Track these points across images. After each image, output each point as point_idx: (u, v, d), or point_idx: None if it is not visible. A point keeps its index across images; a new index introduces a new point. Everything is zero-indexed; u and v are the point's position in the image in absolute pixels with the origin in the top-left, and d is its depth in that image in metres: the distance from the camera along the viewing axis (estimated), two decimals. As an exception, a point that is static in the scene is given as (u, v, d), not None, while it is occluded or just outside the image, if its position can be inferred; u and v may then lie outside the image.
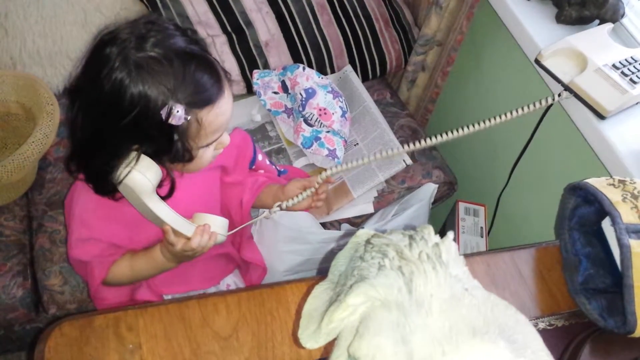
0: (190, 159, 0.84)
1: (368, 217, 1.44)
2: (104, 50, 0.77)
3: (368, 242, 0.46)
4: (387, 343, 0.36)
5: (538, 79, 1.23)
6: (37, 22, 1.41)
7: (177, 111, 0.76)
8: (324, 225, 1.37)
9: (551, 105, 1.10)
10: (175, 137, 0.80)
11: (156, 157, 0.82)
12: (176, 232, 0.90)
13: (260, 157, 1.20)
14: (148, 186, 0.83)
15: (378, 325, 0.38)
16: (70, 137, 0.86)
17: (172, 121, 0.77)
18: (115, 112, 0.77)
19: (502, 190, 1.43)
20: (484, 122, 1.03)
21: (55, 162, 1.35)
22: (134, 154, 0.81)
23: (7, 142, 1.34)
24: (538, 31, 1.22)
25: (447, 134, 1.01)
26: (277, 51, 1.51)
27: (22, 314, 1.19)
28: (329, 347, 0.46)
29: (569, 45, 1.15)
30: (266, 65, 1.51)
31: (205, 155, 0.87)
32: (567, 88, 1.10)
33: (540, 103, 1.08)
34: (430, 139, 1.00)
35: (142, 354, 0.67)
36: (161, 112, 0.76)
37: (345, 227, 1.38)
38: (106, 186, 0.85)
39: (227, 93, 0.84)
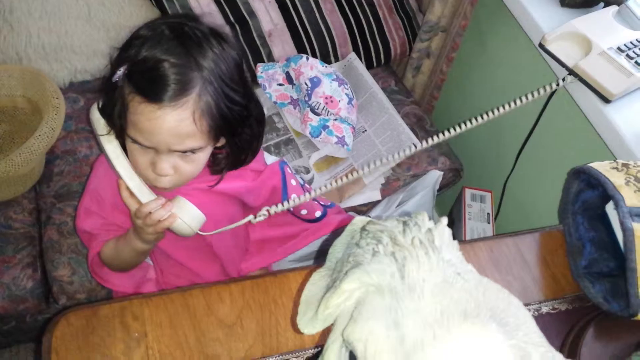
0: (122, 136, 0.84)
1: (374, 205, 1.44)
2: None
3: (363, 228, 0.47)
4: (379, 327, 0.37)
5: (543, 63, 1.23)
6: (41, 17, 1.42)
7: (120, 70, 0.78)
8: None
9: (556, 89, 1.10)
10: (114, 95, 0.80)
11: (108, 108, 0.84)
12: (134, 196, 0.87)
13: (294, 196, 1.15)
14: (103, 126, 0.84)
15: (371, 310, 0.38)
16: None
17: (114, 76, 0.78)
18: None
19: (509, 176, 1.42)
20: (492, 112, 1.03)
21: (63, 155, 1.36)
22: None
23: (14, 136, 1.35)
24: (542, 15, 1.21)
25: (459, 126, 1.01)
26: (280, 41, 1.51)
27: (32, 305, 1.21)
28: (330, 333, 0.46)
29: (573, 29, 1.14)
30: (270, 56, 1.51)
31: (133, 151, 0.83)
32: (571, 72, 1.10)
33: (545, 89, 1.08)
34: (443, 133, 1.00)
35: (148, 342, 0.68)
36: (118, 57, 0.79)
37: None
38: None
39: (175, 115, 0.77)
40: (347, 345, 0.39)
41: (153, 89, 0.76)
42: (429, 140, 0.99)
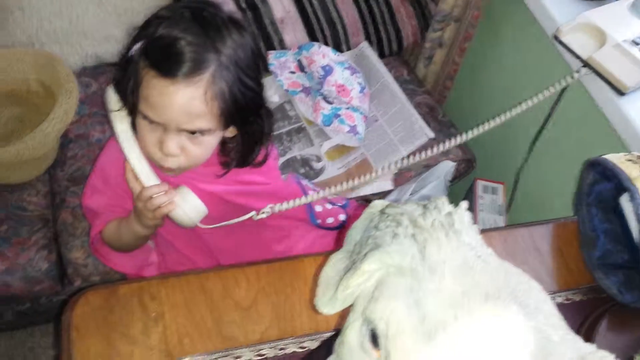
0: (134, 113, 0.84)
1: (385, 195, 1.45)
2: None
3: (382, 212, 0.47)
4: (400, 306, 0.37)
5: (556, 55, 1.22)
6: (52, 1, 1.42)
7: (136, 46, 0.79)
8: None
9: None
10: (129, 69, 0.81)
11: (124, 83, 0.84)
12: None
13: (319, 207, 1.13)
14: (116, 102, 0.85)
15: (392, 289, 0.39)
16: None
17: (130, 50, 0.80)
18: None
19: (521, 168, 1.42)
20: (509, 112, 1.04)
21: (76, 139, 1.37)
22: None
23: (28, 119, 1.36)
24: (556, 6, 1.21)
25: (477, 128, 1.02)
26: (292, 28, 1.51)
27: (48, 287, 1.22)
28: (346, 316, 0.47)
29: (587, 21, 1.14)
30: (281, 43, 1.51)
31: (142, 128, 0.84)
32: (585, 64, 1.09)
33: (560, 83, 1.08)
34: (461, 135, 1.01)
35: (165, 322, 0.69)
36: (136, 35, 0.80)
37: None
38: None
39: (188, 92, 0.78)
40: (367, 324, 0.40)
41: (168, 64, 0.77)
42: (447, 142, 1.00)
